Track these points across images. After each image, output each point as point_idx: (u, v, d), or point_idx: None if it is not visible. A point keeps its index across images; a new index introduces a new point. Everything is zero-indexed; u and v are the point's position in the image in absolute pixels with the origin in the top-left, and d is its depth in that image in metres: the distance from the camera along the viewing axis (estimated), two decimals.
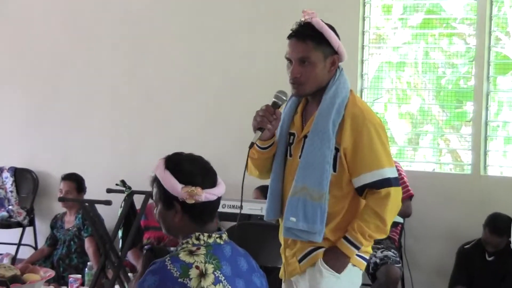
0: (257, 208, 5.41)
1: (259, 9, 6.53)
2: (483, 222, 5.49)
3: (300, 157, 3.30)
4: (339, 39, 3.30)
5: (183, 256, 2.49)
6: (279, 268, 3.47)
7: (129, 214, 4.97)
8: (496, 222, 5.44)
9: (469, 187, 5.96)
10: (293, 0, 6.36)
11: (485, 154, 6.00)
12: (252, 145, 3.30)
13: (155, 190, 2.62)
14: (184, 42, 6.81)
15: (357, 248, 3.23)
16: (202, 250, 2.51)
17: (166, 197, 2.57)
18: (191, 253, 2.50)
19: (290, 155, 3.37)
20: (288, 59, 3.32)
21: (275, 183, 3.39)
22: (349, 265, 3.27)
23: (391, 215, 3.26)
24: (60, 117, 7.25)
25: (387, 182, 3.23)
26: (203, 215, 2.57)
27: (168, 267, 2.46)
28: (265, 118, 3.28)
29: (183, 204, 2.54)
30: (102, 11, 7.11)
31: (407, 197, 5.55)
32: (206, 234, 2.55)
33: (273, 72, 6.48)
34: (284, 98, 3.34)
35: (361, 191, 3.26)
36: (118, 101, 7.05)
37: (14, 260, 6.58)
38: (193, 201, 2.52)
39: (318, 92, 3.30)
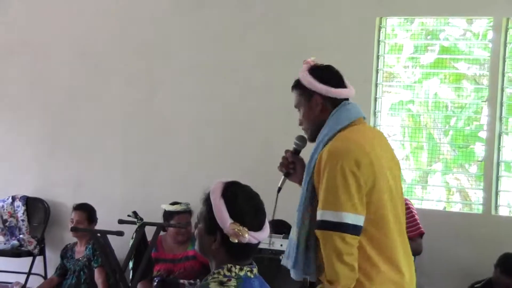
0: (267, 242, 5.42)
1: (274, 44, 6.58)
2: (494, 262, 5.47)
3: None
4: (337, 77, 3.41)
5: (213, 286, 2.50)
6: None
7: (140, 246, 4.99)
8: (507, 263, 5.42)
9: (480, 226, 5.95)
10: (310, 36, 6.44)
11: (497, 194, 6.01)
12: (279, 189, 3.46)
13: (203, 209, 2.59)
14: (198, 74, 6.85)
15: None
16: (233, 282, 2.52)
17: (211, 223, 2.55)
18: (221, 283, 2.51)
19: None
20: None
21: None
22: None
23: (329, 257, 3.15)
24: (73, 147, 7.29)
25: (318, 225, 3.18)
26: (240, 253, 2.56)
27: None
28: (284, 163, 3.47)
29: (224, 237, 2.53)
30: (117, 42, 7.17)
31: (418, 235, 5.56)
32: (238, 267, 2.55)
33: (287, 107, 6.54)
34: (300, 143, 3.50)
35: None
36: (131, 132, 7.09)
37: None
38: (236, 241, 2.51)
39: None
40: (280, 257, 3.49)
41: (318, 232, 3.18)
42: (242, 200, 2.56)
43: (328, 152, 3.21)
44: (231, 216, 2.52)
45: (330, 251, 3.14)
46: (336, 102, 3.37)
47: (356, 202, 3.15)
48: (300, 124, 3.45)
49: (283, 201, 6.26)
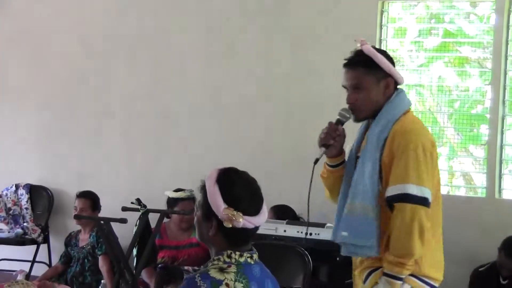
0: (271, 228, 5.43)
1: (277, 32, 6.57)
2: (497, 245, 5.47)
3: None
4: (393, 63, 3.40)
5: (213, 273, 2.50)
6: None
7: (144, 233, 4.97)
8: (511, 246, 5.42)
9: (483, 210, 5.95)
10: (311, 24, 6.43)
11: (500, 177, 6.00)
12: (316, 161, 3.40)
13: (200, 196, 2.61)
14: (201, 62, 6.85)
15: (398, 278, 3.22)
16: (233, 268, 2.52)
17: (207, 209, 2.56)
18: (221, 270, 2.51)
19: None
20: (344, 86, 3.42)
21: (341, 204, 3.45)
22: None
23: (413, 234, 3.20)
24: (76, 134, 7.29)
25: (403, 197, 3.22)
26: (237, 239, 2.56)
27: (198, 284, 2.47)
28: (328, 135, 3.39)
29: (220, 223, 2.53)
30: (119, 29, 7.16)
31: None
32: (238, 253, 2.55)
33: (289, 94, 6.54)
34: (347, 115, 3.43)
35: (390, 206, 3.28)
36: (134, 119, 7.09)
37: (28, 277, 6.59)
38: (230, 225, 2.51)
39: (377, 114, 3.38)
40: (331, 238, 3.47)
41: (400, 205, 3.21)
42: (236, 185, 2.56)
43: (406, 131, 3.29)
44: (225, 201, 2.52)
45: (414, 224, 3.19)
46: (395, 87, 3.42)
47: (431, 179, 3.28)
48: (353, 102, 3.38)
49: (286, 187, 6.28)
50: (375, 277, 3.31)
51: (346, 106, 3.42)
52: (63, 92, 7.35)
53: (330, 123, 3.41)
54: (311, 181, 3.41)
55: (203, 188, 2.58)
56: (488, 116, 6.07)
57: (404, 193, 3.21)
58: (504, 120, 6.00)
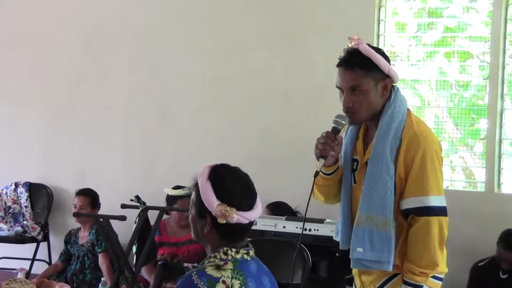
0: (271, 224, 5.43)
1: (275, 26, 6.57)
2: (496, 239, 5.47)
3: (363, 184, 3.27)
4: (388, 61, 3.27)
5: (210, 270, 2.50)
6: (293, 284, 3.48)
7: (143, 230, 4.97)
8: (509, 238, 5.42)
9: (483, 204, 5.95)
10: (309, 17, 6.43)
11: (499, 171, 6.00)
12: (317, 174, 3.23)
13: (193, 194, 2.59)
14: (199, 57, 6.84)
15: (419, 286, 3.19)
16: (229, 265, 2.51)
17: (201, 207, 2.55)
18: (218, 267, 2.50)
19: (355, 182, 3.34)
20: (339, 87, 3.25)
21: (346, 211, 3.36)
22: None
23: (435, 246, 3.17)
24: (75, 132, 7.29)
25: (427, 211, 3.15)
26: (232, 235, 2.55)
27: (195, 282, 2.46)
28: (327, 146, 3.22)
29: (214, 219, 2.52)
30: (118, 27, 7.16)
31: None
32: (234, 250, 2.54)
33: (288, 89, 6.54)
34: (344, 122, 3.27)
35: (406, 215, 3.21)
36: (133, 117, 7.09)
37: (28, 275, 6.59)
38: (224, 221, 2.50)
39: (375, 116, 3.26)
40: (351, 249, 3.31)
41: (424, 219, 3.13)
42: (229, 181, 2.55)
43: (421, 136, 3.19)
44: (218, 197, 2.51)
45: (438, 237, 3.16)
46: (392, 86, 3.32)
47: (442, 182, 3.25)
48: (351, 105, 3.22)
49: (282, 183, 6.28)
50: (394, 286, 3.26)
51: (341, 112, 3.27)
52: (63, 90, 7.35)
53: (327, 133, 3.24)
54: (311, 194, 3.30)
55: (196, 186, 2.57)
56: (487, 110, 6.06)
57: (427, 206, 3.15)
58: (503, 114, 6.00)
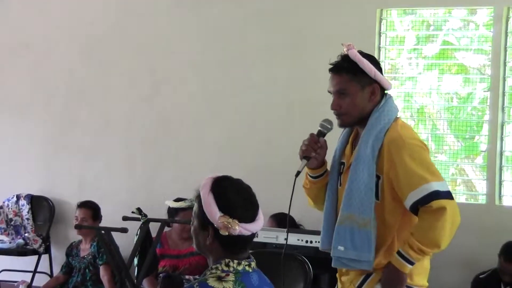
0: (272, 236, 5.43)
1: (276, 39, 6.58)
2: (498, 252, 5.47)
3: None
4: (379, 68, 3.36)
5: (211, 282, 2.50)
6: None
7: (144, 242, 4.98)
8: (510, 251, 5.42)
9: (484, 216, 5.95)
10: (310, 30, 6.45)
11: (500, 184, 6.00)
12: (298, 173, 3.35)
13: (195, 206, 2.60)
14: (200, 71, 6.86)
15: (410, 262, 3.20)
16: (231, 277, 2.51)
17: (203, 218, 2.55)
18: (220, 279, 2.50)
19: (340, 184, 3.42)
20: (329, 92, 3.40)
21: (328, 213, 3.43)
22: None
23: (445, 228, 3.18)
24: (76, 145, 7.30)
25: (435, 195, 3.17)
26: (234, 246, 2.55)
27: None
28: (309, 147, 3.38)
29: (216, 231, 2.53)
30: (118, 42, 7.18)
31: None
32: (236, 261, 2.54)
33: (290, 101, 6.55)
34: (329, 126, 3.42)
35: (414, 210, 3.23)
36: (134, 130, 7.10)
37: (29, 287, 6.60)
38: (226, 233, 2.50)
39: (364, 120, 3.35)
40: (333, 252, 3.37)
41: (436, 202, 3.15)
42: (231, 193, 2.55)
43: (401, 137, 3.26)
44: (220, 209, 2.51)
45: (448, 218, 3.16)
46: (383, 93, 3.39)
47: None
48: (338, 108, 3.36)
49: (284, 195, 6.27)
50: (371, 284, 3.30)
51: (328, 117, 3.42)
52: (64, 102, 7.36)
53: (312, 135, 3.41)
54: (292, 193, 3.38)
55: (198, 197, 2.58)
56: (487, 123, 6.07)
57: (433, 191, 3.17)
58: (504, 127, 6.01)
